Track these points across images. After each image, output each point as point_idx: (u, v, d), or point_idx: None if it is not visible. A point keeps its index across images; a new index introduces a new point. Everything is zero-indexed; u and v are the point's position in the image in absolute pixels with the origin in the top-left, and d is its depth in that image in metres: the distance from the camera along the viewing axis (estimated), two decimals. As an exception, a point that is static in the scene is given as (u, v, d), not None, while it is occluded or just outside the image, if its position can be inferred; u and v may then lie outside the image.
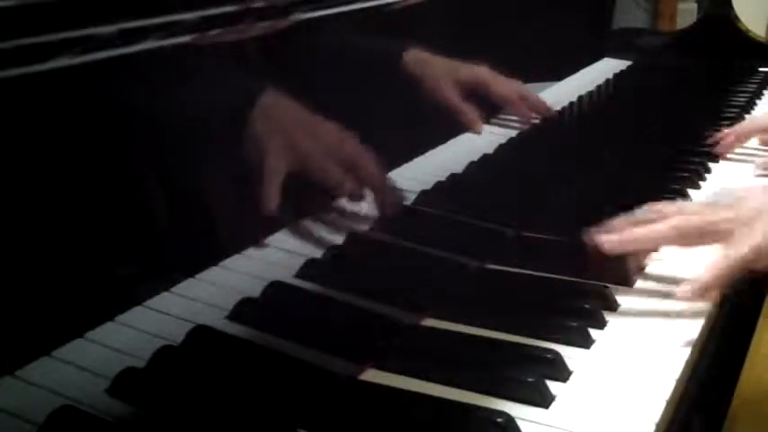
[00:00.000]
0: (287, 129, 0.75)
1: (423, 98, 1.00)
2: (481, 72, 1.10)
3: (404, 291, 0.74)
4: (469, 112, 1.07)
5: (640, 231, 0.73)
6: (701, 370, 0.68)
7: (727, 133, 1.11)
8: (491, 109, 1.12)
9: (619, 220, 0.75)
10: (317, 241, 0.79)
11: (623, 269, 0.75)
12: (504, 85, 1.13)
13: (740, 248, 0.68)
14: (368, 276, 0.77)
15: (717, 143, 1.10)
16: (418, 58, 0.99)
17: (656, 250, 0.78)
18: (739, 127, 1.13)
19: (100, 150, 0.61)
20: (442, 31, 1.02)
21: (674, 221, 0.73)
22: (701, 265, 0.70)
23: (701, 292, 0.68)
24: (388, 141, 0.94)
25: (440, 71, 1.03)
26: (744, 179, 1.05)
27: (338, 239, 0.80)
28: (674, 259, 0.78)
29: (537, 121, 1.16)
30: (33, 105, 0.56)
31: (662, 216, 0.74)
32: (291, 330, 0.66)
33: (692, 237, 0.72)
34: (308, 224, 0.79)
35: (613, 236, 0.73)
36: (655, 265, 0.78)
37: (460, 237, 0.86)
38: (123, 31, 0.58)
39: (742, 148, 1.12)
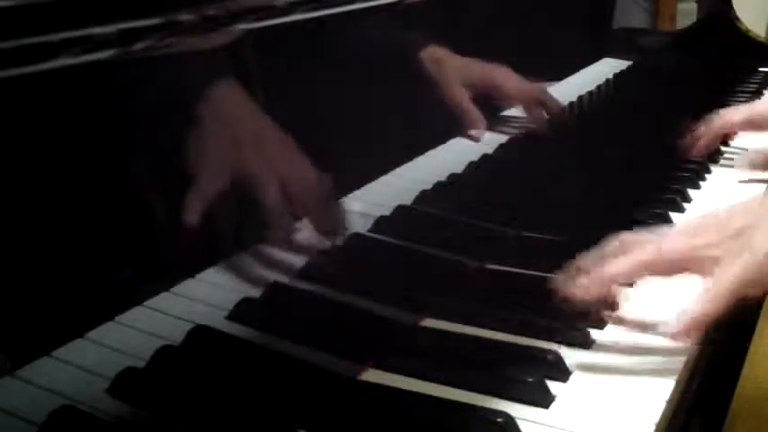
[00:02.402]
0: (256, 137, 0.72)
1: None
2: (500, 72, 1.10)
3: (404, 291, 0.74)
4: (475, 113, 1.07)
5: (612, 266, 0.65)
6: (700, 370, 0.68)
7: (698, 137, 1.06)
8: (494, 109, 1.13)
9: (586, 260, 0.66)
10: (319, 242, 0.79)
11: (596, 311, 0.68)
12: (522, 88, 1.14)
13: (727, 276, 0.61)
14: (368, 276, 0.77)
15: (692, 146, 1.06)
16: (435, 55, 0.99)
17: (632, 284, 0.71)
18: (710, 128, 1.07)
19: (99, 150, 0.61)
20: (442, 31, 1.02)
21: (652, 249, 0.65)
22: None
23: (687, 329, 0.61)
24: (388, 141, 0.94)
25: (457, 68, 1.03)
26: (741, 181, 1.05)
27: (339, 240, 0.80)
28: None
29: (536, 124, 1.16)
30: (33, 105, 0.56)
31: (636, 246, 0.67)
32: (291, 330, 0.66)
33: (672, 266, 0.65)
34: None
35: (583, 279, 0.64)
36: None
37: (460, 237, 0.86)
38: (123, 31, 0.58)
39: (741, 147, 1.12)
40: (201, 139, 0.68)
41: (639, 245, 0.66)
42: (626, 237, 0.68)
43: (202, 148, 0.68)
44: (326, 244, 0.78)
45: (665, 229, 0.70)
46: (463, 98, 1.05)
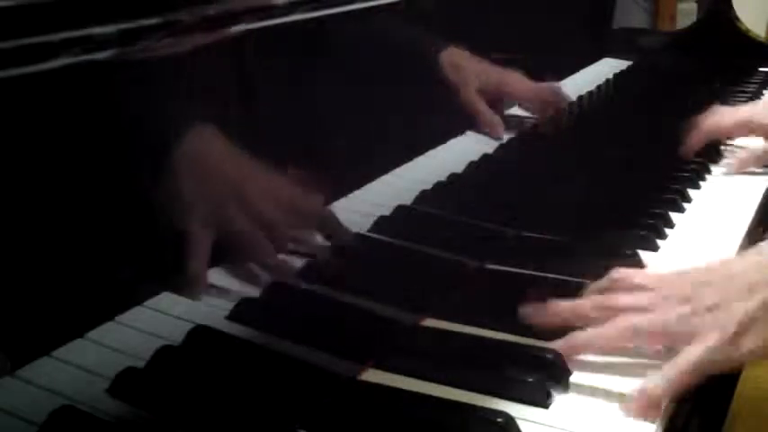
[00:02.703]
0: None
1: (431, 95, 1.00)
2: (512, 78, 1.11)
3: (404, 291, 0.74)
4: (493, 117, 1.08)
5: (583, 337, 0.64)
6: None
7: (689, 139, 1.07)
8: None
9: (560, 308, 0.66)
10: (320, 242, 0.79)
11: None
12: (535, 90, 1.15)
13: (693, 355, 0.60)
14: (368, 276, 0.77)
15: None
16: (453, 59, 1.01)
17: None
18: (699, 131, 1.08)
19: (99, 150, 0.61)
20: (442, 31, 1.02)
21: (623, 324, 0.63)
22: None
23: (645, 408, 0.58)
24: (388, 141, 0.94)
25: (473, 72, 1.05)
26: (742, 182, 1.05)
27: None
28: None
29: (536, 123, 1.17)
30: (33, 105, 0.56)
31: (608, 311, 0.64)
32: (291, 330, 0.66)
33: (642, 340, 0.64)
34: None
35: (559, 342, 0.64)
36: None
37: (460, 237, 0.86)
38: (123, 31, 0.58)
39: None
40: (200, 145, 0.68)
41: (614, 308, 0.65)
42: (598, 298, 0.67)
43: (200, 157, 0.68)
44: (327, 244, 0.78)
45: (643, 274, 0.69)
46: (480, 102, 1.07)
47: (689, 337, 0.61)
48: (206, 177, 0.69)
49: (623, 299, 0.66)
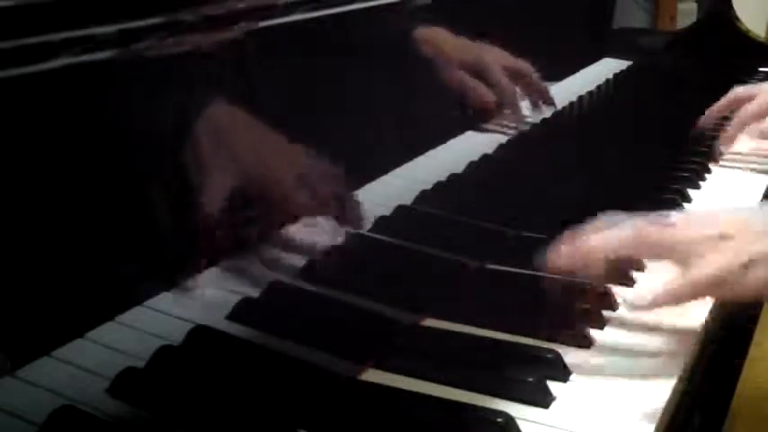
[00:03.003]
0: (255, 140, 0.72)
1: (431, 94, 0.99)
2: (489, 52, 1.09)
3: (404, 291, 0.74)
4: (478, 87, 1.06)
5: (595, 238, 0.65)
6: (700, 370, 0.68)
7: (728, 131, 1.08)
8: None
9: (570, 233, 0.67)
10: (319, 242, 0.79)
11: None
12: (511, 63, 1.12)
13: (707, 269, 0.62)
14: (368, 276, 0.77)
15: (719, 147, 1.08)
16: (428, 36, 0.98)
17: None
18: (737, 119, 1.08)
19: (99, 150, 0.61)
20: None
21: (637, 228, 0.65)
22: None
23: (651, 308, 0.63)
24: (388, 141, 0.94)
25: (450, 49, 1.02)
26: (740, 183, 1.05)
27: (339, 241, 0.80)
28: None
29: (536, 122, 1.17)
30: (33, 105, 0.56)
31: (624, 223, 0.66)
32: (291, 330, 0.66)
33: (655, 250, 0.66)
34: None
35: (565, 248, 0.65)
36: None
37: (460, 237, 0.86)
38: (123, 31, 0.58)
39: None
40: (207, 140, 0.68)
41: (628, 223, 0.66)
42: (613, 216, 0.67)
43: (209, 151, 0.68)
44: (327, 244, 0.78)
45: (653, 215, 0.70)
46: (464, 77, 1.05)
47: (702, 255, 0.63)
48: (222, 140, 0.69)
49: (650, 219, 0.66)
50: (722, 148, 1.09)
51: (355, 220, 0.80)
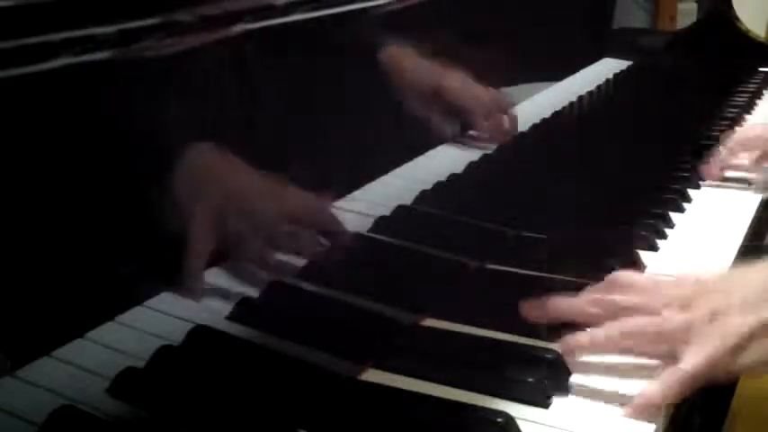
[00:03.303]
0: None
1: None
2: (451, 78, 1.02)
3: (404, 291, 0.74)
4: (437, 120, 0.98)
5: (583, 337, 0.64)
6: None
7: (713, 162, 1.03)
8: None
9: (560, 306, 0.66)
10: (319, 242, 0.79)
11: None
12: (471, 96, 1.06)
13: (695, 361, 0.60)
14: (368, 276, 0.77)
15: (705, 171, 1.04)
16: (397, 56, 0.94)
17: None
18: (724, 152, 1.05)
19: (99, 150, 0.61)
20: (442, 31, 1.02)
21: (624, 324, 0.63)
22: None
23: (648, 410, 0.59)
24: (388, 141, 0.94)
25: (413, 75, 0.97)
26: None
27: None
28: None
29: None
30: (33, 105, 0.56)
31: (608, 311, 0.65)
32: (291, 330, 0.66)
33: (642, 341, 0.63)
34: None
35: (559, 343, 0.64)
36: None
37: (460, 237, 0.86)
38: (123, 31, 0.58)
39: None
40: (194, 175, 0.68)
41: (616, 309, 0.65)
42: (600, 298, 0.66)
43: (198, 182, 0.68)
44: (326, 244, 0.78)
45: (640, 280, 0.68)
46: (423, 109, 0.97)
47: (688, 343, 0.61)
48: (207, 180, 0.69)
49: (624, 298, 0.65)
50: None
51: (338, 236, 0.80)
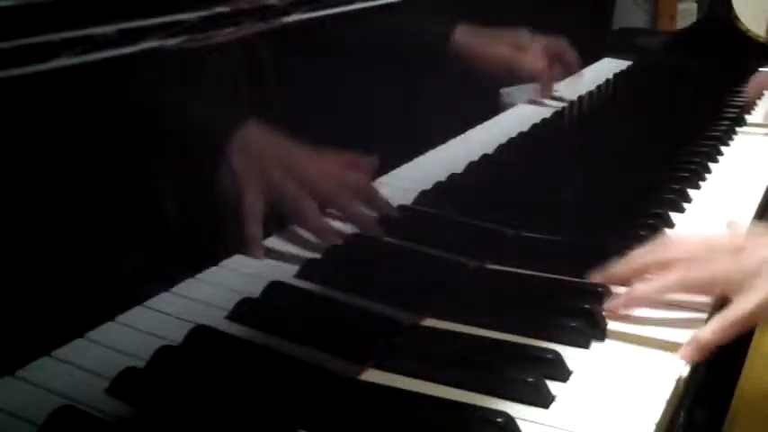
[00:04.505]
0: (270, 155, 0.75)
1: (431, 95, 0.99)
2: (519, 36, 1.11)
3: (404, 291, 0.74)
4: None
5: (643, 290, 0.70)
6: (701, 370, 0.68)
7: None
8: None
9: (618, 268, 0.72)
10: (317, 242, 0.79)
11: None
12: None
13: (745, 304, 0.65)
14: (368, 276, 0.77)
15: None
16: (466, 32, 1.01)
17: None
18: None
19: (100, 150, 0.61)
20: (441, 31, 1.02)
21: (677, 276, 0.69)
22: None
23: (704, 350, 0.64)
24: (388, 141, 0.94)
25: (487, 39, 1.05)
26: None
27: (338, 240, 0.80)
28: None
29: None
30: (33, 105, 0.56)
31: (663, 263, 0.70)
32: (291, 330, 0.66)
33: (695, 289, 0.69)
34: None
35: (615, 303, 0.70)
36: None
37: (460, 237, 0.86)
38: (123, 31, 0.58)
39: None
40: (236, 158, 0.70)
41: (668, 260, 0.70)
42: (657, 246, 0.72)
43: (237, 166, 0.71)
44: (326, 243, 0.78)
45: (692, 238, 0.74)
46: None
47: (741, 288, 0.65)
48: (251, 155, 0.72)
49: (677, 250, 0.71)
50: None
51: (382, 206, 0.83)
